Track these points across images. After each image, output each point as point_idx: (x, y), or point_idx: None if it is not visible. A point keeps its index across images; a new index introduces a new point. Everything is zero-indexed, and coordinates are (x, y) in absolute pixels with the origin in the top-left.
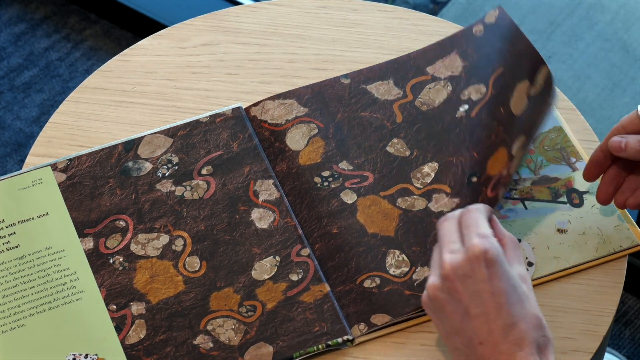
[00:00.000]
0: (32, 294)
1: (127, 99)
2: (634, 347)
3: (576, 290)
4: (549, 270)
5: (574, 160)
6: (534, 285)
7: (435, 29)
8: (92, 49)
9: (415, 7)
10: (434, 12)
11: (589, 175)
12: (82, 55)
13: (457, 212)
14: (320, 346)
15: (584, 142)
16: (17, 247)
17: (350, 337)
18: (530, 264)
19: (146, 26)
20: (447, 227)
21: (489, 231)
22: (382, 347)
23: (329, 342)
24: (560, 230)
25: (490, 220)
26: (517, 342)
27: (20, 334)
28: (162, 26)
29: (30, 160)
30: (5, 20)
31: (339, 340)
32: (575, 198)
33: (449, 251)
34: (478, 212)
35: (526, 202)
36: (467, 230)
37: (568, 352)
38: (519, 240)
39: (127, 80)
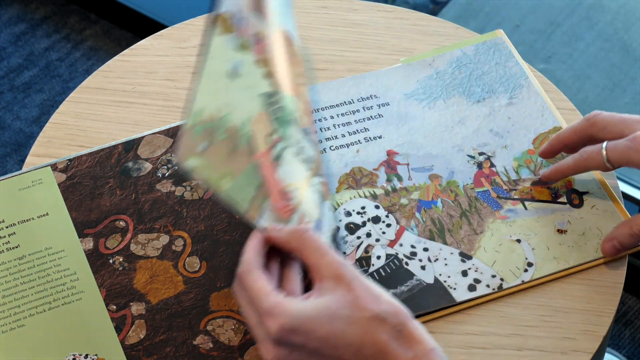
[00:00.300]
0: (32, 294)
1: (127, 99)
2: (634, 347)
3: (576, 291)
4: (548, 271)
5: None
6: (533, 286)
7: (435, 29)
8: (92, 49)
9: (415, 8)
10: (434, 13)
11: (546, 157)
12: (82, 55)
13: (238, 279)
14: None
15: None
16: (17, 247)
17: None
18: (530, 265)
19: (146, 26)
20: (241, 306)
21: (271, 297)
22: None
23: None
24: (560, 231)
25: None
26: (376, 355)
27: (20, 334)
28: (162, 26)
29: (30, 160)
30: (5, 20)
31: None
32: (575, 199)
33: (260, 340)
34: (250, 276)
35: (526, 203)
36: (254, 309)
37: (568, 353)
38: (519, 241)
39: (127, 81)
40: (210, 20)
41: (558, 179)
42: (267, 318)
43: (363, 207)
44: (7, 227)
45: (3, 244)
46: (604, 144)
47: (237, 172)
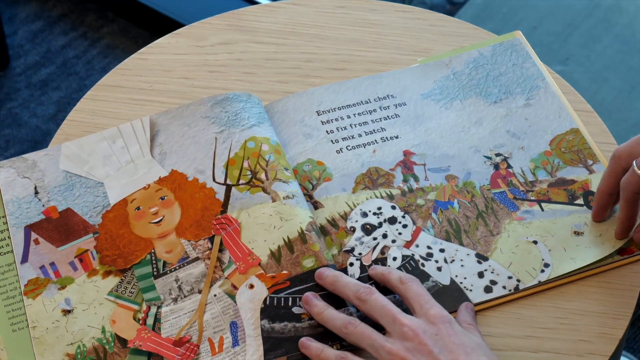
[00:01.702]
0: None
1: (144, 97)
2: None
3: (592, 293)
4: (565, 270)
5: (590, 162)
6: (550, 288)
7: (453, 29)
8: (108, 47)
9: (432, 8)
10: (451, 13)
11: (600, 218)
12: (99, 53)
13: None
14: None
15: (602, 144)
16: None
17: None
18: (546, 265)
19: (163, 25)
20: (384, 301)
21: None
22: None
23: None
24: (576, 233)
25: None
26: None
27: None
28: (179, 25)
29: None
30: (23, 18)
31: None
32: (592, 200)
33: (406, 318)
34: (421, 284)
35: (543, 204)
36: (421, 299)
37: (584, 355)
38: (535, 242)
39: (144, 79)
40: None
41: (632, 227)
42: (437, 306)
43: (379, 208)
44: None
45: None
46: (633, 163)
47: None
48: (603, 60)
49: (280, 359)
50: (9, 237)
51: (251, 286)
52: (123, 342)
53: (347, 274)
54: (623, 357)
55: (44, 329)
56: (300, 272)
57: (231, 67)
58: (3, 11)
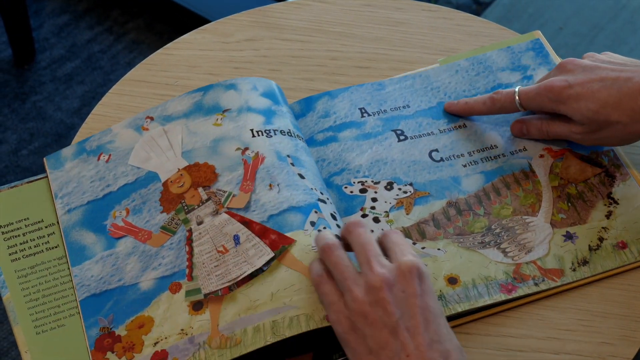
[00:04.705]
0: (72, 294)
1: (169, 93)
2: None
3: (615, 296)
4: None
5: None
6: (574, 288)
7: (479, 29)
8: (134, 42)
9: (458, 8)
10: (477, 13)
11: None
12: (124, 48)
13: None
14: None
15: (625, 147)
16: (56, 247)
17: None
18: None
19: (189, 21)
20: (368, 238)
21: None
22: None
23: None
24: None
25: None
26: (444, 354)
27: (59, 334)
28: (204, 21)
29: None
30: (49, 12)
31: None
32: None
33: (379, 264)
34: (402, 235)
35: None
36: (397, 247)
37: (606, 358)
38: None
39: (170, 74)
40: None
41: (466, 115)
42: (412, 255)
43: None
44: (46, 227)
45: (42, 243)
46: (517, 87)
47: None
48: None
49: None
50: (32, 240)
51: None
52: None
53: None
54: None
55: None
56: None
57: (257, 63)
58: (29, 5)
